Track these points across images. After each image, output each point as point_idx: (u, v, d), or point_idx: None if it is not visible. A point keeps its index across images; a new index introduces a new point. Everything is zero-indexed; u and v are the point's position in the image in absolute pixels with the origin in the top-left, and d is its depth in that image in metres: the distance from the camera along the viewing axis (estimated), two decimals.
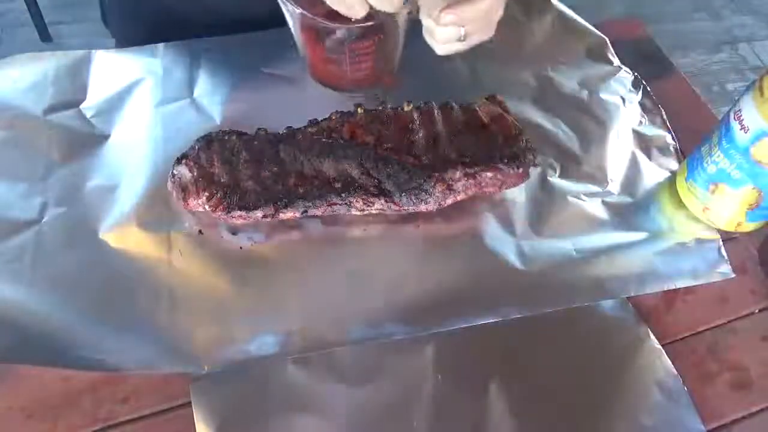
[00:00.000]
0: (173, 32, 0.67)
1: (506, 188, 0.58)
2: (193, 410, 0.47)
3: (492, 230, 0.57)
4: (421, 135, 0.57)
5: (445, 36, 0.48)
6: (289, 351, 0.49)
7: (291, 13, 0.52)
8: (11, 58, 0.65)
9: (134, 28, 0.74)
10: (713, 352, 0.52)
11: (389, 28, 0.50)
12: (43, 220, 0.55)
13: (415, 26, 0.53)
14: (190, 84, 0.65)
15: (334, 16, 0.50)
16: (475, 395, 0.48)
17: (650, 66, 0.71)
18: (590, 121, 0.65)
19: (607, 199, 0.60)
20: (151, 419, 0.47)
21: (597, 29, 0.73)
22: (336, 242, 0.55)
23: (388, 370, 0.49)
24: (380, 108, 0.58)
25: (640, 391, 0.49)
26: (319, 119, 0.59)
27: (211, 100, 0.64)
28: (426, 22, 0.48)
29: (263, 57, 0.67)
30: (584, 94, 0.67)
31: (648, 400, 0.49)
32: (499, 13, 0.48)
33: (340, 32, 0.51)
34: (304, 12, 0.49)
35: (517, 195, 0.59)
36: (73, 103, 0.62)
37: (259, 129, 0.58)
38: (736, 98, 0.53)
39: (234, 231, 0.55)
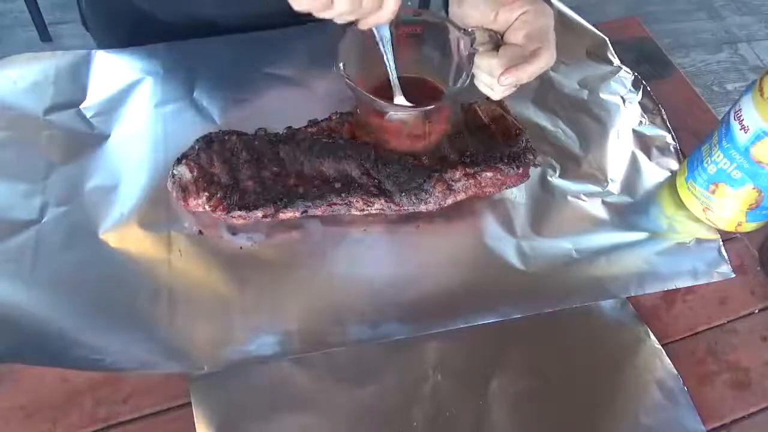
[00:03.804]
0: (151, 38, 0.68)
1: (506, 188, 0.58)
2: (193, 410, 0.47)
3: (492, 230, 0.57)
4: None
5: (503, 89, 0.51)
6: (289, 351, 0.49)
7: (362, 101, 0.53)
8: (11, 58, 0.65)
9: (113, 33, 0.74)
10: (713, 352, 0.52)
11: (457, 93, 0.52)
12: (43, 220, 0.55)
13: None
14: (190, 84, 0.65)
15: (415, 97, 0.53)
16: (475, 395, 0.48)
17: (650, 66, 0.71)
18: (590, 121, 0.65)
19: (607, 199, 0.60)
20: (151, 419, 0.47)
21: (597, 29, 0.73)
22: (336, 242, 0.55)
23: (388, 370, 0.49)
24: None
25: (640, 391, 0.49)
26: (319, 119, 0.59)
27: (211, 100, 0.64)
28: (485, 78, 0.51)
29: (263, 57, 0.67)
30: (584, 94, 0.68)
31: (648, 400, 0.49)
32: (554, 59, 0.51)
33: (420, 115, 0.53)
34: (387, 104, 0.51)
35: (517, 195, 0.59)
36: (73, 103, 0.63)
37: (259, 129, 0.58)
38: (736, 98, 0.53)
39: (234, 231, 0.55)
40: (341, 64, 0.50)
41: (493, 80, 0.50)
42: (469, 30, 0.50)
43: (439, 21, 0.52)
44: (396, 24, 0.52)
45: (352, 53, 0.51)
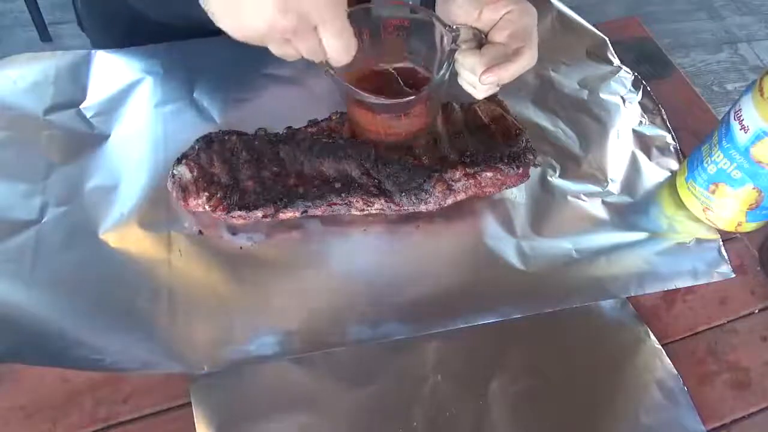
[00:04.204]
0: (146, 38, 0.67)
1: (506, 188, 0.58)
2: (193, 410, 0.47)
3: (492, 230, 0.57)
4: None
5: (485, 88, 0.51)
6: (289, 351, 0.49)
7: (342, 91, 0.53)
8: (11, 58, 0.65)
9: (108, 34, 0.74)
10: (713, 352, 0.52)
11: (438, 87, 0.52)
12: (43, 220, 0.55)
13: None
14: (190, 84, 0.65)
15: (385, 90, 0.52)
16: (475, 395, 0.48)
17: (650, 66, 0.71)
18: (590, 121, 0.65)
19: (607, 199, 0.60)
20: (151, 419, 0.47)
21: (597, 29, 0.73)
22: (336, 242, 0.55)
23: (388, 370, 0.49)
24: None
25: (640, 391, 0.49)
26: (319, 119, 0.59)
27: (211, 100, 0.64)
28: (468, 77, 0.51)
29: (263, 57, 0.66)
30: (584, 94, 0.68)
31: (648, 400, 0.49)
32: (535, 60, 0.50)
33: (394, 107, 0.53)
34: (363, 94, 0.51)
35: (517, 195, 0.59)
36: (73, 103, 0.62)
37: (259, 129, 0.58)
38: (736, 98, 0.53)
39: (234, 231, 0.55)
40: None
41: (475, 79, 0.50)
42: (454, 27, 0.51)
43: (425, 16, 0.52)
44: (385, 17, 0.52)
45: None
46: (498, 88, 0.52)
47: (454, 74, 0.52)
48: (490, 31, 0.51)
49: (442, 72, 0.51)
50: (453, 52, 0.50)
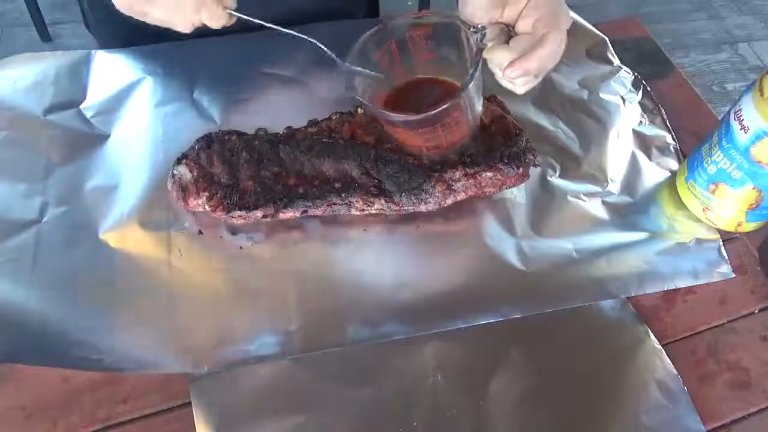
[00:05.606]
0: (152, 38, 0.67)
1: (506, 188, 0.58)
2: (193, 410, 0.47)
3: (492, 230, 0.57)
4: None
5: (520, 82, 0.50)
6: (289, 351, 0.49)
7: (372, 113, 0.52)
8: (11, 58, 0.65)
9: (114, 34, 0.74)
10: (713, 352, 0.52)
11: (468, 92, 0.50)
12: (43, 220, 0.55)
13: None
14: (190, 84, 0.65)
15: (425, 102, 0.51)
16: (475, 395, 0.48)
17: (650, 66, 0.71)
18: (590, 121, 0.65)
19: (607, 199, 0.60)
20: (151, 419, 0.47)
21: (597, 29, 0.73)
22: (336, 242, 0.55)
23: (388, 370, 0.49)
24: None
25: (640, 391, 0.49)
26: (319, 119, 0.59)
27: (211, 100, 0.64)
28: (501, 73, 0.50)
29: (263, 57, 0.67)
30: (584, 94, 0.68)
31: (648, 400, 0.49)
32: (564, 45, 0.48)
33: (426, 121, 0.50)
34: (390, 114, 0.50)
35: (517, 195, 0.59)
36: (73, 103, 0.63)
37: (259, 129, 0.58)
38: (736, 98, 0.53)
39: (234, 231, 0.55)
40: (345, 65, 0.49)
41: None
42: (479, 26, 0.49)
43: (448, 20, 0.51)
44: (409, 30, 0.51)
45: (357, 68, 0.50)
46: (537, 80, 0.50)
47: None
48: (516, 23, 0.49)
49: (470, 75, 0.48)
50: (480, 51, 0.48)
